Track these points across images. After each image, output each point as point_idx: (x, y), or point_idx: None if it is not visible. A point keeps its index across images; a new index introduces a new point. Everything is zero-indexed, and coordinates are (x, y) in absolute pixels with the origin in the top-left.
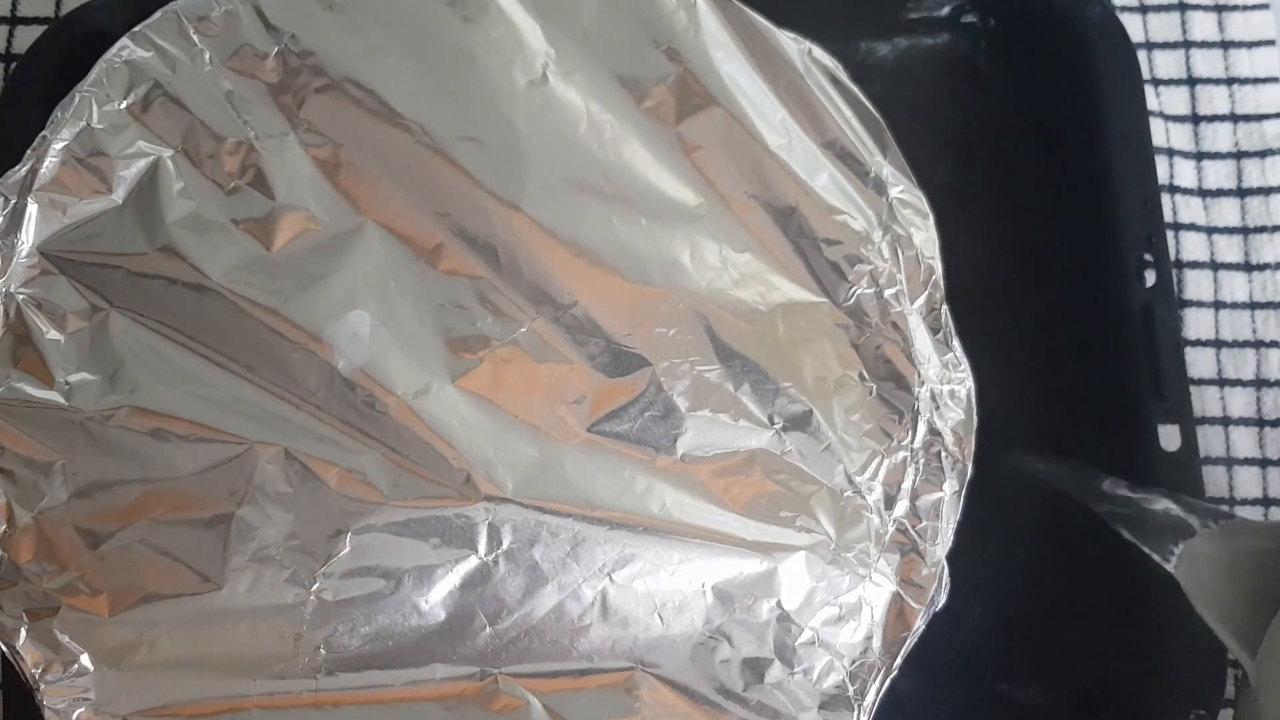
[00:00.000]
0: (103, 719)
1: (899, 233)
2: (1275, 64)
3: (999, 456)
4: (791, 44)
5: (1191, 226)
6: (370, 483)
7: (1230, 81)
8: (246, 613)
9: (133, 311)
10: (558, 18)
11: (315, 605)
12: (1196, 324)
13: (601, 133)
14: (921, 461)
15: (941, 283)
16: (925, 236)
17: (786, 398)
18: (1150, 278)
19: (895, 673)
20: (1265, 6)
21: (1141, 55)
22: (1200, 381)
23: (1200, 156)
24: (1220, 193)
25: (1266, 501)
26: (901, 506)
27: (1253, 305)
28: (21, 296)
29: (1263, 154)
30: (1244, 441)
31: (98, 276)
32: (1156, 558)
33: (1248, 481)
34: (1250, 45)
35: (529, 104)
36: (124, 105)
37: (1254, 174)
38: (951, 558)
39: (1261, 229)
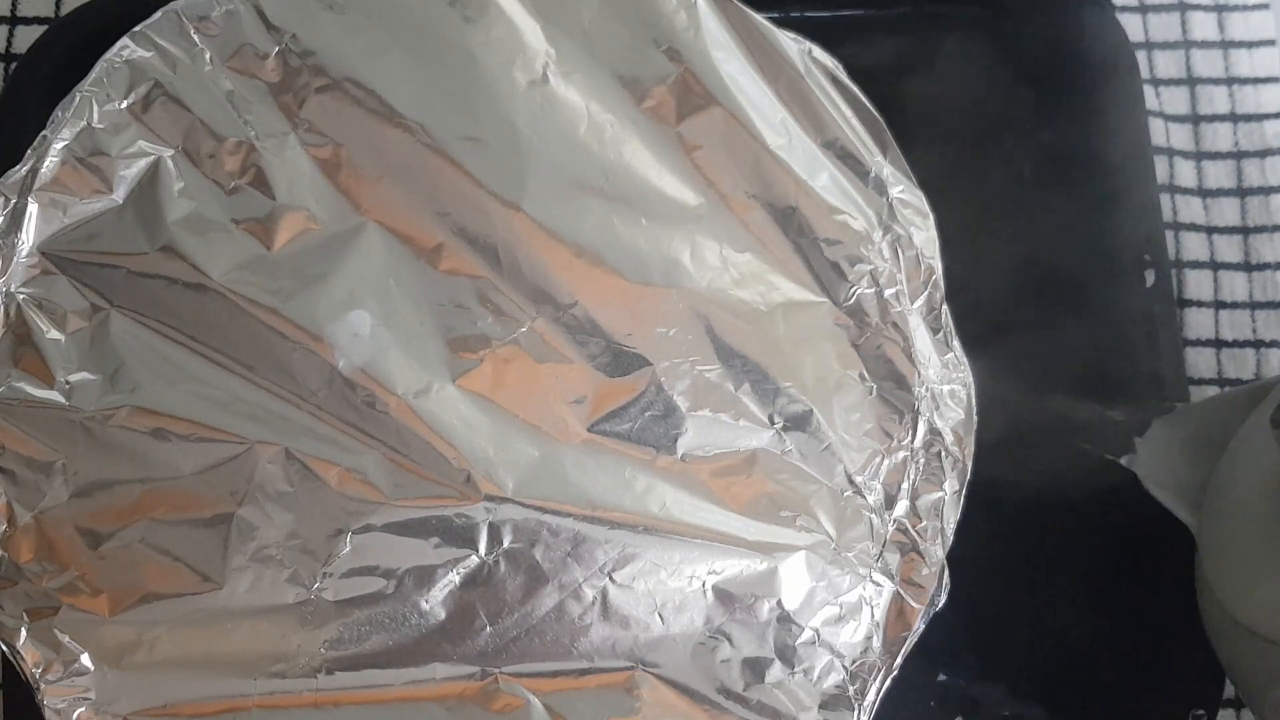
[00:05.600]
0: (103, 719)
1: (899, 233)
2: (1275, 64)
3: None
4: (792, 44)
5: (1191, 226)
6: (371, 482)
7: (1230, 81)
8: (247, 612)
9: (133, 311)
10: (558, 17)
11: (316, 605)
12: (1196, 324)
13: (602, 133)
14: (921, 461)
15: (941, 283)
16: (925, 236)
17: (787, 397)
18: (1150, 278)
19: (895, 672)
20: (1265, 6)
21: (1141, 55)
22: (1200, 381)
23: (1200, 156)
24: (1220, 193)
25: None
26: (902, 506)
27: (1253, 305)
28: (22, 296)
29: (1263, 154)
30: None
31: (98, 276)
32: (1110, 456)
33: None
34: (1250, 45)
35: (529, 104)
36: (124, 105)
37: (1254, 174)
38: (951, 558)
39: (1261, 229)
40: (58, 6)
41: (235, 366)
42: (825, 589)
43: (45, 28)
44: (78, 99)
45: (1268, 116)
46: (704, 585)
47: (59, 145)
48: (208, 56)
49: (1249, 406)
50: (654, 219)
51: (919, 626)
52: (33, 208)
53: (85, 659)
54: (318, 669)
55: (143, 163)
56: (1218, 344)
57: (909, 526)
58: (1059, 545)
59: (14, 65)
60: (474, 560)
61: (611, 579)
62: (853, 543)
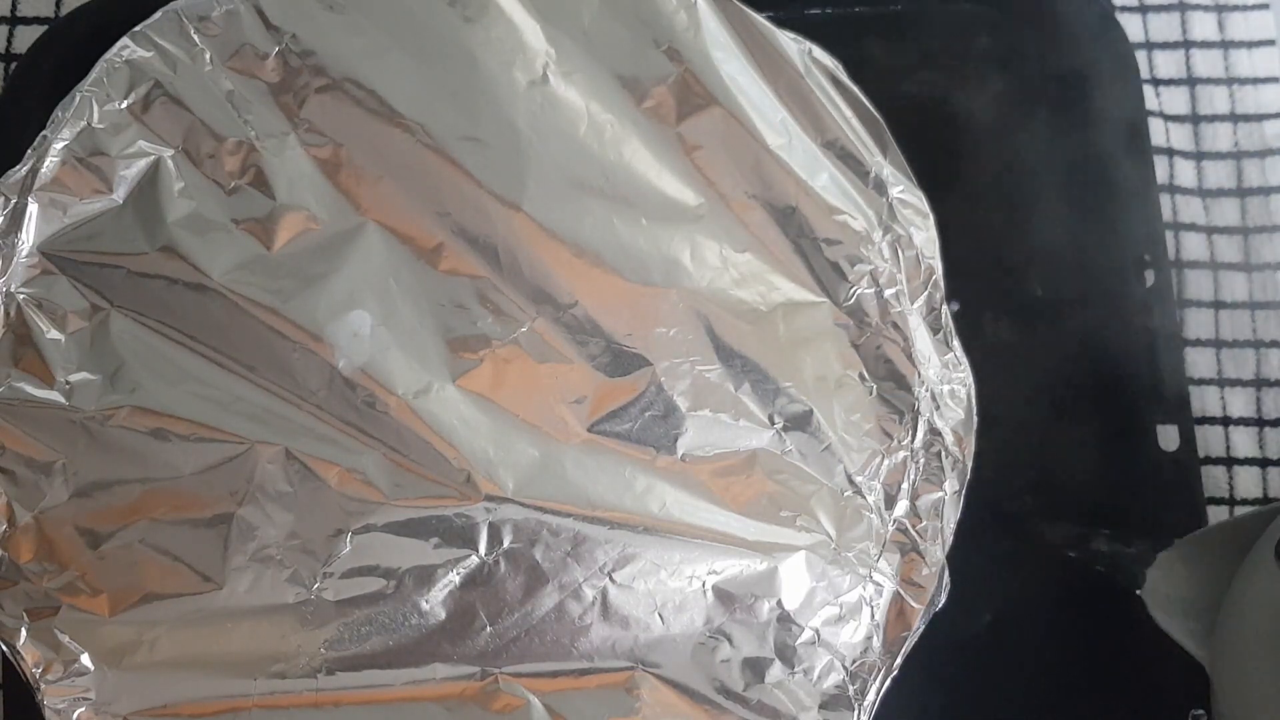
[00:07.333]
0: (103, 719)
1: (899, 233)
2: (1275, 64)
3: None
4: (792, 44)
5: (1191, 226)
6: (371, 482)
7: (1230, 81)
8: (247, 612)
9: (133, 311)
10: (558, 18)
11: (316, 605)
12: (1196, 324)
13: (602, 133)
14: (921, 461)
15: (941, 283)
16: (925, 236)
17: (787, 397)
18: (1150, 278)
19: (895, 672)
20: (1265, 6)
21: (1141, 55)
22: (1200, 381)
23: (1200, 156)
24: (1220, 193)
25: (1266, 502)
26: (902, 506)
27: (1253, 305)
28: (22, 296)
29: (1263, 154)
30: (1244, 441)
31: (98, 276)
32: (1127, 585)
33: (1248, 481)
34: (1250, 45)
35: (529, 104)
36: (124, 105)
37: (1254, 174)
38: (951, 558)
39: (1261, 229)
40: (58, 6)
41: (235, 366)
42: (825, 589)
43: (45, 28)
44: (78, 99)
45: (1268, 116)
46: (704, 585)
47: (59, 145)
48: (208, 56)
49: (1256, 534)
50: (654, 219)
51: (919, 626)
52: (33, 208)
53: (85, 659)
54: (318, 669)
55: (143, 163)
56: (1218, 344)
57: (909, 526)
58: (1061, 543)
59: (14, 65)
60: (474, 560)
61: (611, 579)
62: (853, 543)
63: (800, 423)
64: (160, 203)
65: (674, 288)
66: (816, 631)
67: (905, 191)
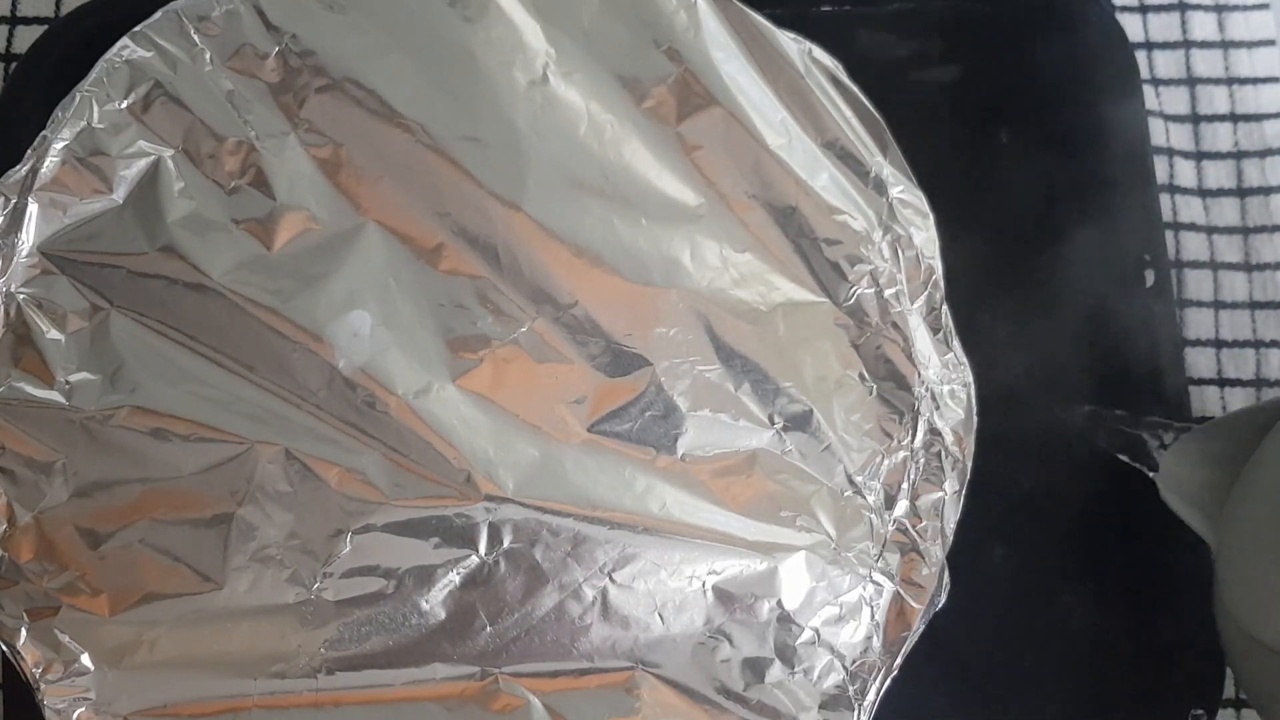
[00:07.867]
0: (103, 719)
1: (899, 233)
2: (1275, 64)
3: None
4: (792, 44)
5: (1191, 226)
6: (371, 482)
7: (1230, 81)
8: (247, 612)
9: (133, 311)
10: (558, 18)
11: (316, 605)
12: (1196, 324)
13: (602, 133)
14: (921, 461)
15: (941, 283)
16: (925, 236)
17: (787, 398)
18: (1150, 278)
19: (895, 672)
20: (1265, 6)
21: (1141, 55)
22: (1200, 381)
23: (1200, 156)
24: (1220, 193)
25: None
26: (902, 506)
27: (1253, 305)
28: (22, 296)
29: (1263, 154)
30: None
31: (98, 276)
32: (1143, 468)
33: None
34: (1250, 45)
35: (529, 104)
36: (124, 105)
37: (1254, 174)
38: (951, 558)
39: (1261, 229)
40: (58, 6)
41: (235, 366)
42: (825, 589)
43: (45, 28)
44: (78, 99)
45: (1268, 116)
46: (704, 585)
47: (59, 145)
48: (208, 56)
49: (1271, 421)
50: (654, 219)
51: (919, 626)
52: (33, 208)
53: (85, 659)
54: (318, 669)
55: (143, 163)
56: (1217, 344)
57: (909, 526)
58: (1062, 544)
59: (14, 65)
60: (474, 560)
61: (611, 579)
62: (853, 543)
63: (800, 423)
64: (160, 203)
65: (674, 288)
66: (816, 631)
67: (905, 191)
